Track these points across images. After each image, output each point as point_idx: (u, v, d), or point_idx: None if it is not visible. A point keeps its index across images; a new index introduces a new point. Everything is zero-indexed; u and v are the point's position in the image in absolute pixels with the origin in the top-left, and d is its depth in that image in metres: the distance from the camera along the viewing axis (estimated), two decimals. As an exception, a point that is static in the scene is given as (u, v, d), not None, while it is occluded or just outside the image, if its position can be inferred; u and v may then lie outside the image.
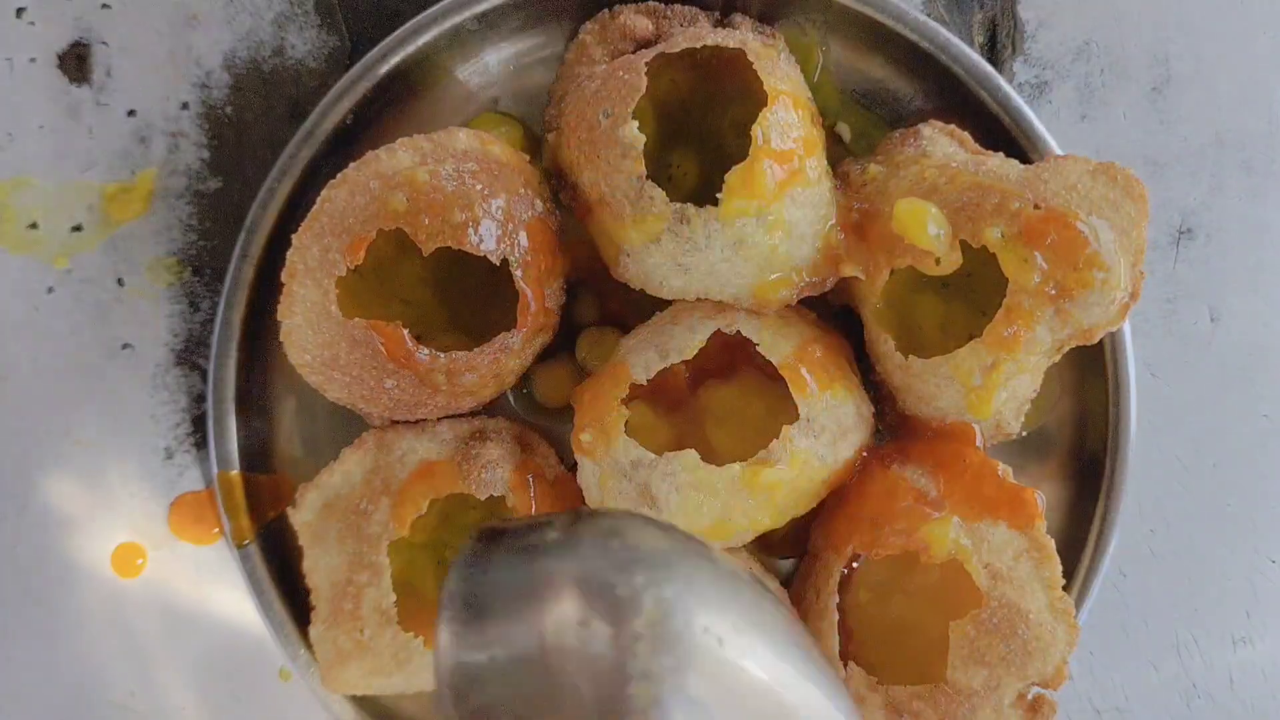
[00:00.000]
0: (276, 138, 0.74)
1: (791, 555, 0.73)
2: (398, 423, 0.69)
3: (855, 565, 0.68)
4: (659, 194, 0.61)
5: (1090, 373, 0.72)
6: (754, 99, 0.63)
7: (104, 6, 0.74)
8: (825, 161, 0.66)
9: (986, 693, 0.62)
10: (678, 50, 0.64)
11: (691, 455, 0.62)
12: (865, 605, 0.68)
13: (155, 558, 0.75)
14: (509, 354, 0.65)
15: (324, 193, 0.63)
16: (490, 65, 0.73)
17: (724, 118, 0.70)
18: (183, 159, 0.75)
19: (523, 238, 0.63)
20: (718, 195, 0.60)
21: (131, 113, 0.75)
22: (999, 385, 0.63)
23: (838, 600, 0.66)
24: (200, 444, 0.75)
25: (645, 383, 0.63)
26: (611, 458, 0.63)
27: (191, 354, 0.75)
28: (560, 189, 0.68)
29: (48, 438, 0.75)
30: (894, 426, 0.71)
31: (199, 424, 0.75)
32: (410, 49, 0.70)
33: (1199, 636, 0.78)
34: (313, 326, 0.63)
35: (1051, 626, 0.62)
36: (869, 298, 0.66)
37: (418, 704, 0.73)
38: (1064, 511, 0.73)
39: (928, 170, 0.65)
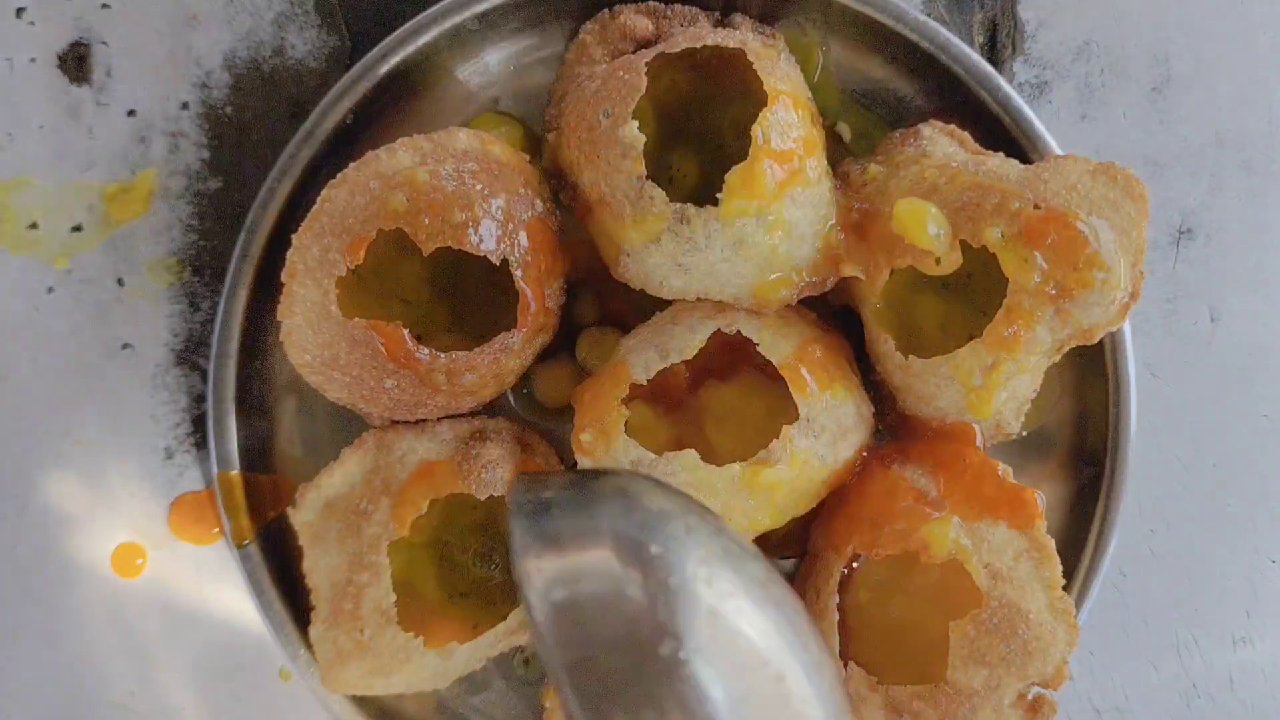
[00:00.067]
0: (276, 138, 0.74)
1: (791, 555, 0.73)
2: (398, 423, 0.69)
3: (855, 565, 0.68)
4: (659, 194, 0.61)
5: (1090, 373, 0.72)
6: (754, 99, 0.63)
7: (104, 6, 0.74)
8: (825, 161, 0.66)
9: (986, 693, 0.62)
10: (678, 50, 0.64)
11: (691, 455, 0.62)
12: (865, 605, 0.68)
13: (155, 558, 0.75)
14: (509, 354, 0.65)
15: (324, 193, 0.63)
16: (490, 65, 0.73)
17: (724, 118, 0.70)
18: (183, 159, 0.75)
19: (523, 238, 0.63)
20: (718, 195, 0.60)
21: (131, 113, 0.75)
22: (999, 385, 0.63)
23: (838, 600, 0.66)
24: (200, 444, 0.75)
25: (645, 383, 0.63)
26: (611, 458, 0.63)
27: (191, 354, 0.75)
28: (560, 189, 0.68)
29: (48, 438, 0.75)
30: (894, 426, 0.71)
31: (199, 424, 0.75)
32: (410, 49, 0.70)
33: (1199, 636, 0.78)
34: (313, 326, 0.63)
35: (1051, 626, 0.62)
36: (869, 298, 0.66)
37: (418, 704, 0.73)
38: (1064, 511, 0.73)
39: (928, 170, 0.65)
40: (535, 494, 0.48)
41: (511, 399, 0.73)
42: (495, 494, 0.65)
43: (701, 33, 0.66)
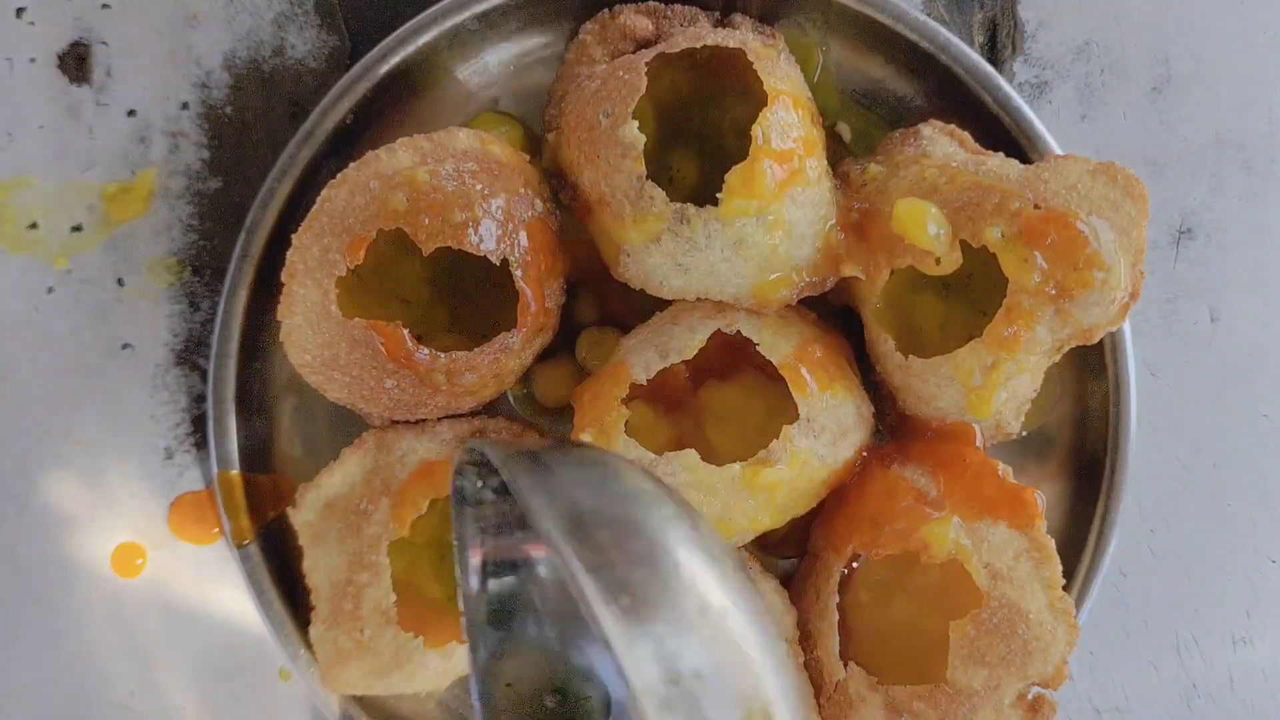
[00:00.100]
0: (276, 138, 0.74)
1: (791, 555, 0.73)
2: (398, 423, 0.69)
3: (855, 565, 0.68)
4: (659, 194, 0.61)
5: (1090, 373, 0.72)
6: (754, 99, 0.63)
7: (104, 6, 0.74)
8: (825, 161, 0.66)
9: (986, 693, 0.62)
10: (678, 50, 0.64)
11: (691, 455, 0.62)
12: (865, 605, 0.68)
13: (155, 558, 0.75)
14: (509, 354, 0.65)
15: (324, 193, 0.63)
16: (490, 65, 0.73)
17: (724, 118, 0.70)
18: (183, 159, 0.75)
19: (523, 238, 0.63)
20: (718, 195, 0.60)
21: (131, 113, 0.75)
22: (999, 385, 0.63)
23: (838, 600, 0.66)
24: (200, 444, 0.75)
25: (645, 383, 0.63)
26: (611, 458, 0.63)
27: (191, 354, 0.75)
28: (560, 189, 0.68)
29: (48, 438, 0.75)
30: (894, 426, 0.71)
31: (199, 424, 0.75)
32: (410, 49, 0.70)
33: (1199, 636, 0.78)
34: (313, 326, 0.63)
35: (1051, 626, 0.62)
36: (869, 298, 0.66)
37: (417, 704, 0.73)
38: (1064, 511, 0.73)
39: (928, 170, 0.65)
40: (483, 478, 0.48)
41: (511, 399, 0.73)
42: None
43: (701, 33, 0.66)
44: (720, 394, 0.69)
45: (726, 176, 0.60)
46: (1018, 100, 0.70)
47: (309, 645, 0.68)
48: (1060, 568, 0.64)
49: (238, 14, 0.74)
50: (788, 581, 0.72)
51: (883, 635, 0.67)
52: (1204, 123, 0.77)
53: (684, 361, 0.64)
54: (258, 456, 0.73)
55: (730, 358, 0.69)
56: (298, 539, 0.67)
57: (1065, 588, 0.64)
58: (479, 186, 0.62)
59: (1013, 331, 0.61)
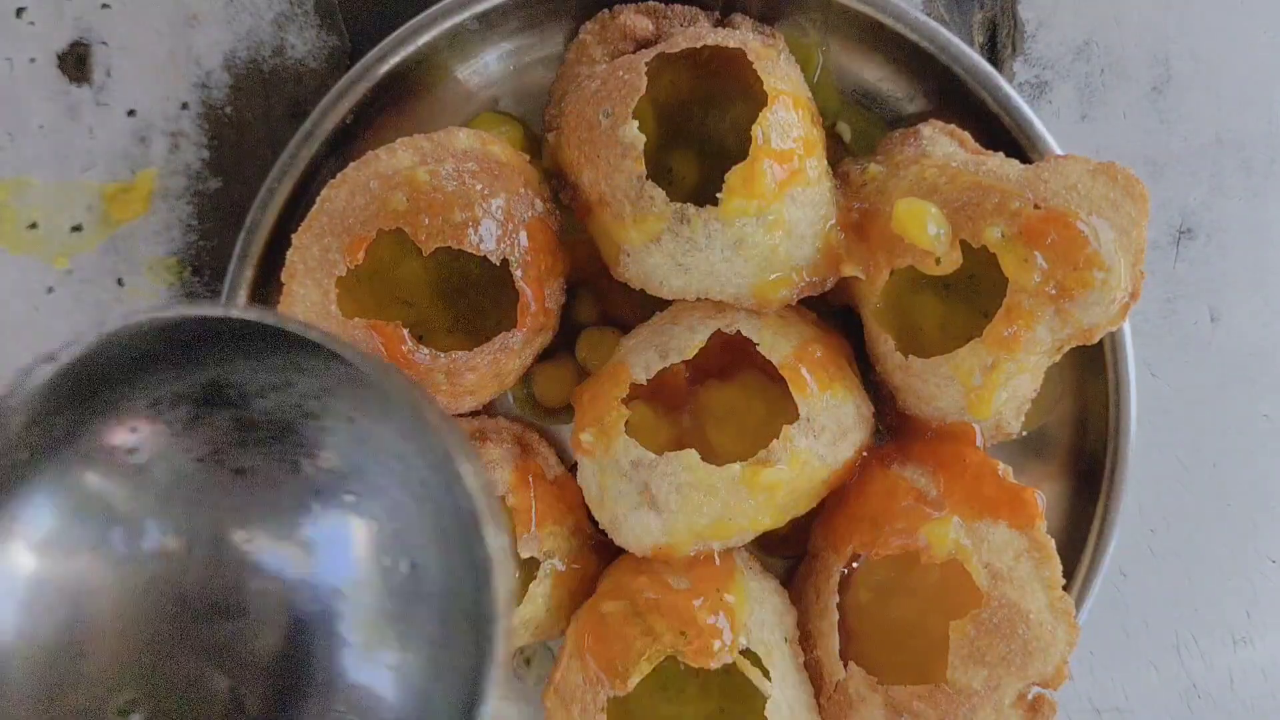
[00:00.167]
0: (276, 138, 0.74)
1: (791, 555, 0.73)
2: (398, 423, 0.69)
3: (855, 565, 0.68)
4: (659, 194, 0.61)
5: (1090, 373, 0.72)
6: (754, 99, 0.63)
7: (104, 6, 0.74)
8: (825, 161, 0.66)
9: (986, 693, 0.62)
10: (678, 50, 0.64)
11: (691, 455, 0.62)
12: (865, 605, 0.68)
13: (155, 558, 0.75)
14: (509, 354, 0.65)
15: (324, 193, 0.63)
16: (490, 65, 0.73)
17: (724, 118, 0.70)
18: (183, 159, 0.75)
19: (523, 238, 0.63)
20: (718, 195, 0.60)
21: (131, 113, 0.75)
22: (999, 385, 0.63)
23: (838, 600, 0.66)
24: (200, 444, 0.75)
25: (645, 383, 0.63)
26: (611, 458, 0.63)
27: (191, 354, 0.75)
28: (560, 189, 0.68)
29: (48, 438, 0.74)
30: (894, 426, 0.71)
31: (199, 424, 0.75)
32: (410, 49, 0.70)
33: (1199, 636, 0.78)
34: (313, 326, 0.63)
35: (1051, 626, 0.62)
36: (869, 298, 0.66)
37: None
38: (1064, 511, 0.73)
39: (928, 170, 0.65)
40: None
41: (511, 399, 0.73)
42: (495, 494, 0.65)
43: (701, 33, 0.66)
44: (720, 394, 0.69)
45: (726, 176, 0.60)
46: (1018, 100, 0.70)
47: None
48: (1060, 568, 0.64)
49: (238, 14, 0.74)
50: (788, 581, 0.72)
51: (883, 635, 0.67)
52: (1204, 123, 0.77)
53: (684, 361, 0.64)
54: (258, 456, 0.73)
55: (730, 358, 0.69)
56: (298, 539, 0.67)
57: (1065, 588, 0.64)
58: (479, 186, 0.62)
59: (1013, 331, 0.61)
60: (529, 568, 0.67)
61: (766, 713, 0.62)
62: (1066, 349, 0.63)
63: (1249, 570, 0.78)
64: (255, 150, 0.74)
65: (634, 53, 0.67)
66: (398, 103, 0.72)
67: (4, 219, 0.74)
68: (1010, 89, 0.70)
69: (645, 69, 0.62)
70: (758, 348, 0.64)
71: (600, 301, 0.73)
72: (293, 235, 0.63)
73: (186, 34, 0.74)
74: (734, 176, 0.60)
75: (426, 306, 0.69)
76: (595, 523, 0.68)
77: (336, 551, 0.51)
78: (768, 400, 0.68)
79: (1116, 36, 0.77)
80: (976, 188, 0.62)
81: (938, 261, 0.62)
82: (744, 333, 0.64)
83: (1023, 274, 0.60)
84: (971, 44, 0.75)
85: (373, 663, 0.50)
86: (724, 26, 0.71)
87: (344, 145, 0.71)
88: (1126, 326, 0.68)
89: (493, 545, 0.40)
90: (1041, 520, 0.65)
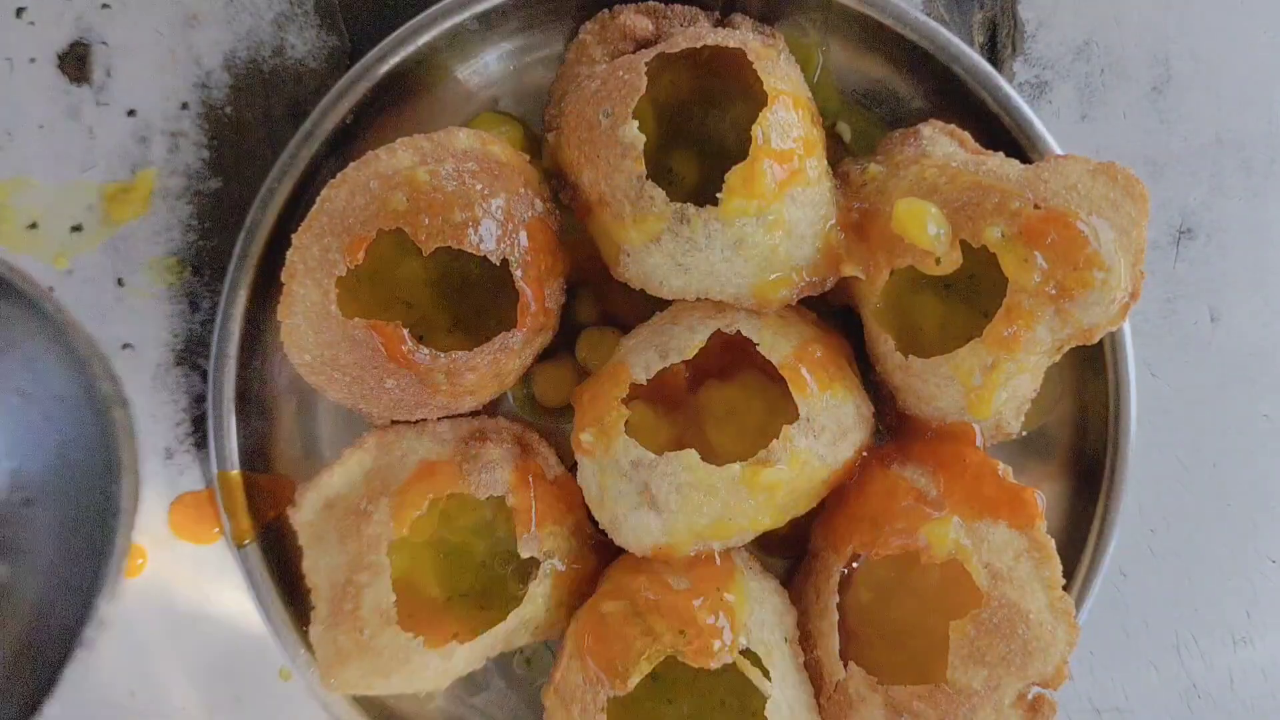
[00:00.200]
0: (276, 138, 0.74)
1: (791, 555, 0.73)
2: (398, 423, 0.69)
3: (855, 565, 0.68)
4: (659, 194, 0.61)
5: (1090, 373, 0.72)
6: (754, 99, 0.63)
7: (104, 6, 0.74)
8: (825, 161, 0.66)
9: (986, 693, 0.62)
10: (678, 50, 0.64)
11: (691, 455, 0.62)
12: (865, 605, 0.68)
13: (155, 558, 0.75)
14: (509, 354, 0.65)
15: (324, 193, 0.63)
16: (490, 65, 0.73)
17: (724, 118, 0.70)
18: (183, 159, 0.75)
19: (523, 238, 0.63)
20: (718, 195, 0.60)
21: (131, 113, 0.75)
22: (999, 385, 0.63)
23: (838, 600, 0.66)
24: (200, 444, 0.75)
25: (645, 383, 0.63)
26: (611, 458, 0.63)
27: (191, 354, 0.75)
28: (560, 189, 0.68)
29: (48, 438, 0.75)
30: (894, 426, 0.71)
31: (199, 424, 0.75)
32: (410, 49, 0.70)
33: (1199, 636, 0.78)
34: (313, 326, 0.63)
35: (1051, 626, 0.62)
36: (869, 298, 0.66)
37: (417, 704, 0.73)
38: (1064, 511, 0.73)
39: (928, 170, 0.65)
40: None
41: (511, 399, 0.73)
42: (495, 494, 0.66)
43: (701, 33, 0.66)
44: (720, 394, 0.69)
45: (726, 176, 0.60)
46: (1018, 100, 0.70)
47: (309, 645, 0.68)
48: (1060, 568, 0.64)
49: (238, 14, 0.74)
50: (788, 581, 0.72)
51: (883, 635, 0.67)
52: (1204, 123, 0.77)
53: (684, 361, 0.64)
54: (258, 456, 0.73)
55: (730, 358, 0.69)
56: (298, 539, 0.67)
57: (1065, 588, 0.64)
58: (479, 186, 0.62)
59: (1013, 331, 0.61)
60: (529, 568, 0.67)
61: (766, 713, 0.62)
62: (1066, 349, 0.63)
63: (1249, 570, 0.78)
64: (255, 150, 0.75)
65: (634, 53, 0.67)
66: (398, 103, 0.72)
67: (4, 219, 0.74)
68: (1010, 89, 0.70)
69: (645, 69, 0.62)
70: (758, 348, 0.64)
71: (600, 301, 0.73)
72: (293, 235, 0.63)
73: (186, 34, 0.74)
74: (734, 176, 0.60)
75: (426, 306, 0.69)
76: (595, 523, 0.68)
77: None
78: (768, 400, 0.68)
79: (1116, 36, 0.77)
80: (976, 188, 0.62)
81: (938, 261, 0.62)
82: (744, 333, 0.64)
83: (1023, 274, 0.60)
84: (971, 44, 0.75)
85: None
86: (724, 26, 0.71)
87: (344, 145, 0.71)
88: (1126, 326, 0.68)
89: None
90: (1041, 520, 0.65)
